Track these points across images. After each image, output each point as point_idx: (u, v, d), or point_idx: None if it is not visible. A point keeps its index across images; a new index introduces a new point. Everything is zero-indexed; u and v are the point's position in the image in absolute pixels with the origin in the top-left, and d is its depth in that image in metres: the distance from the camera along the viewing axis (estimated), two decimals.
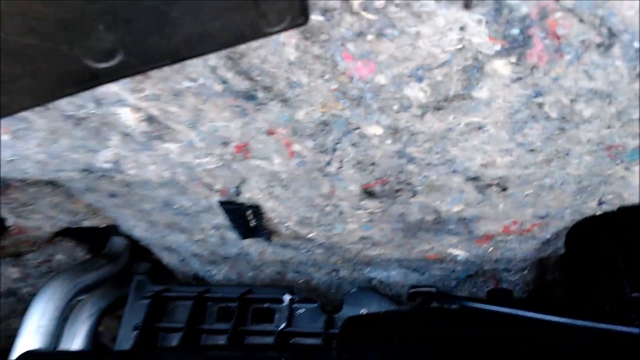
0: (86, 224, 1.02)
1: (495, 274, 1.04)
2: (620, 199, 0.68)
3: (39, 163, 0.71)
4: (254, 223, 0.82)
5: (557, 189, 0.68)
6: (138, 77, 0.57)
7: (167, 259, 1.10)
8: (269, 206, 0.77)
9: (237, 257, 0.98)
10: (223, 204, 0.77)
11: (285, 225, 0.82)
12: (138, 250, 1.19)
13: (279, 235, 0.86)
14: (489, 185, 0.69)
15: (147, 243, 1.04)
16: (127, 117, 0.62)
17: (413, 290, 1.00)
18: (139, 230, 0.98)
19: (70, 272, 1.13)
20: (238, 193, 0.75)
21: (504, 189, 0.69)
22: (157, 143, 0.66)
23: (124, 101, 0.60)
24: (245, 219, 0.82)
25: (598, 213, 0.73)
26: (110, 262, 1.18)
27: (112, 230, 1.14)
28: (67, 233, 1.13)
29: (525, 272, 1.03)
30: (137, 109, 0.61)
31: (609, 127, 0.56)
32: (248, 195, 0.75)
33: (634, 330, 0.81)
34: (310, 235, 0.84)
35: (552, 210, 0.73)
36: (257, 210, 0.79)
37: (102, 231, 1.13)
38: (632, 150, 0.59)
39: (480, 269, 1.00)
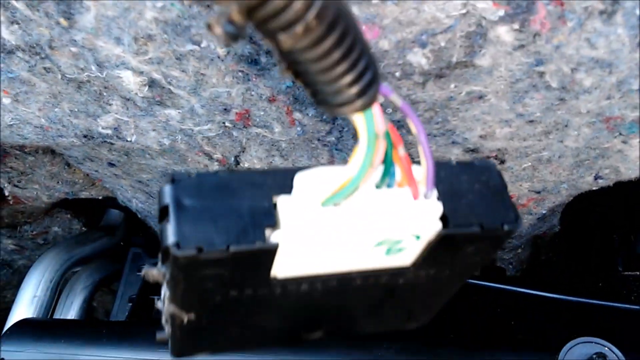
0: (84, 195, 1.02)
1: None
2: (617, 173, 0.69)
3: (38, 128, 0.71)
4: None
5: (555, 163, 0.69)
6: (141, 40, 0.57)
7: None
8: None
9: None
10: None
11: None
12: (135, 223, 1.19)
13: None
14: (487, 158, 0.69)
15: (144, 215, 1.05)
16: (129, 80, 0.62)
17: None
18: (137, 201, 0.98)
19: (66, 244, 1.13)
20: (237, 163, 0.75)
21: (502, 162, 0.70)
22: (158, 109, 0.66)
23: (127, 64, 0.60)
24: None
25: (594, 188, 0.74)
26: (106, 234, 1.18)
27: (109, 202, 1.14)
28: (64, 205, 1.13)
29: (520, 250, 1.04)
30: (139, 73, 0.61)
31: (608, 98, 0.57)
32: (247, 165, 0.75)
33: (626, 306, 0.83)
34: None
35: (548, 185, 0.74)
36: None
37: (99, 203, 1.13)
38: (630, 122, 0.60)
39: None
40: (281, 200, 0.35)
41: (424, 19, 0.51)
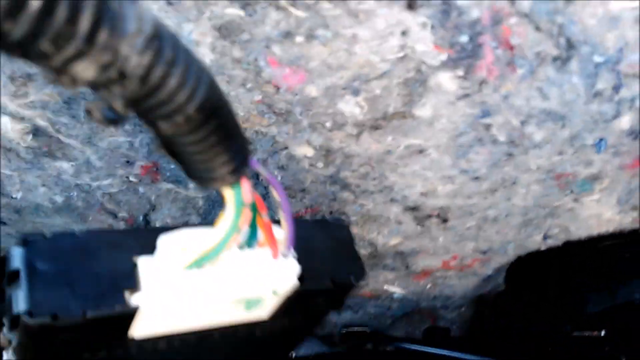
0: None
1: (432, 311, 0.98)
2: (567, 233, 0.64)
3: None
4: None
5: (502, 222, 0.63)
6: (20, 79, 0.48)
7: None
8: None
9: None
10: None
11: None
12: None
13: None
14: (429, 216, 0.62)
15: None
16: (8, 128, 0.52)
17: (346, 330, 0.92)
18: None
19: None
20: (147, 222, 0.65)
21: (445, 221, 0.63)
22: (46, 160, 0.56)
23: (4, 109, 0.50)
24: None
25: (542, 248, 0.68)
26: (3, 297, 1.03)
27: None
28: None
29: (463, 309, 0.97)
30: (20, 119, 0.51)
31: (560, 154, 0.51)
32: (159, 225, 0.65)
33: None
34: None
35: (494, 245, 0.68)
36: None
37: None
38: (583, 179, 0.54)
39: (417, 306, 0.93)
40: (142, 262, 0.35)
41: (356, 63, 0.44)
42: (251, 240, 0.39)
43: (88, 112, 0.24)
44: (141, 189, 0.59)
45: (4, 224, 0.73)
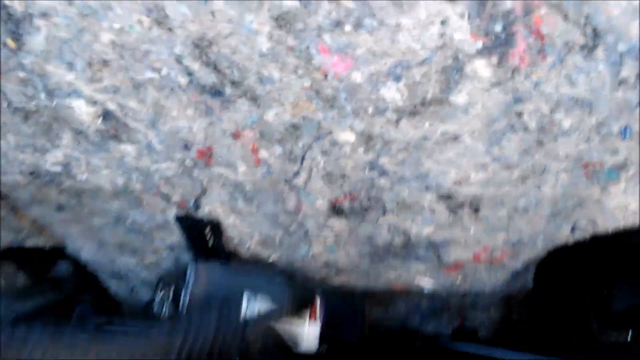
0: (30, 243, 0.95)
1: (460, 310, 1.00)
2: (594, 225, 0.66)
3: None
4: (212, 242, 0.77)
5: (531, 212, 0.66)
6: (96, 65, 0.53)
7: (116, 287, 1.02)
8: (229, 222, 0.72)
9: None
10: (180, 219, 0.72)
11: (246, 246, 0.77)
12: (84, 277, 1.10)
13: (238, 257, 0.81)
14: (461, 205, 0.66)
15: (94, 268, 0.97)
16: (81, 111, 0.58)
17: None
18: (87, 251, 0.91)
19: (8, 298, 1.04)
20: (197, 207, 0.70)
21: (477, 210, 0.67)
22: (112, 144, 0.61)
23: (79, 92, 0.56)
24: (202, 237, 0.76)
25: (570, 241, 0.71)
26: (53, 289, 1.09)
27: (58, 253, 1.06)
28: (9, 255, 1.04)
29: (492, 310, 1.00)
30: (93, 102, 0.57)
31: (587, 141, 0.55)
32: (208, 209, 0.70)
33: None
34: (272, 257, 0.79)
35: (524, 236, 0.71)
36: (216, 227, 0.74)
37: (47, 254, 1.05)
38: (609, 168, 0.57)
39: (446, 304, 0.96)
40: None
41: (399, 50, 0.48)
42: None
43: None
44: (195, 173, 0.64)
45: (63, 209, 0.79)
